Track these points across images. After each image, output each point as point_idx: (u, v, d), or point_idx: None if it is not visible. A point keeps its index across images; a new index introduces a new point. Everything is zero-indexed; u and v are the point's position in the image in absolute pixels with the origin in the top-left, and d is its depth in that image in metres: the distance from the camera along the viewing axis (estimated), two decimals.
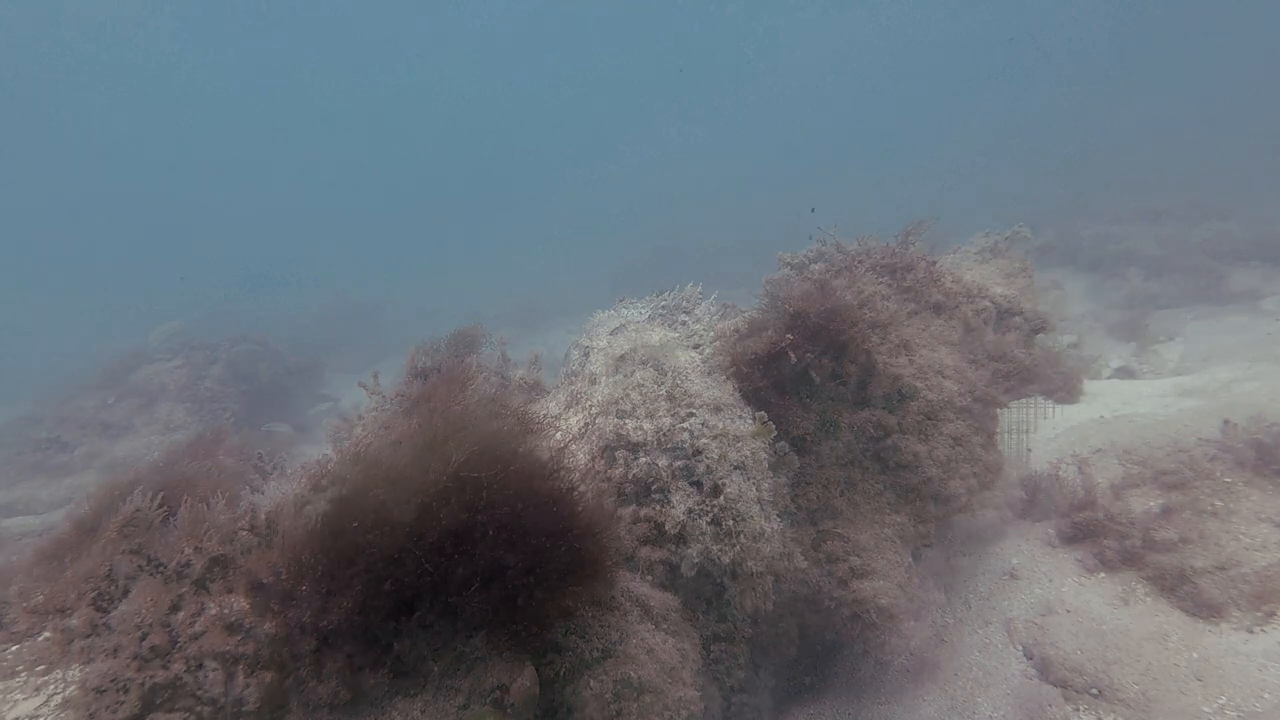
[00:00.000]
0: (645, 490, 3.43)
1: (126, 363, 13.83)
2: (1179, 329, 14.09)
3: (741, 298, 5.53)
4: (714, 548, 3.31)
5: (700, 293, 4.12)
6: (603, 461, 3.64)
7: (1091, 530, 5.09)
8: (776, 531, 3.47)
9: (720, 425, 3.47)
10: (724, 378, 3.77)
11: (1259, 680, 3.84)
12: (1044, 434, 7.64)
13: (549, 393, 4.60)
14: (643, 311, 4.39)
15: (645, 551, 3.26)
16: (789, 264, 5.42)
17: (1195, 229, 17.79)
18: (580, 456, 3.81)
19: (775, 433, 3.48)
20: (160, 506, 2.02)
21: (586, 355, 4.40)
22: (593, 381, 4.11)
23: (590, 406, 3.95)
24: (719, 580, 3.80)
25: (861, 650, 4.18)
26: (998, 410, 4.87)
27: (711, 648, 3.43)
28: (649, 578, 3.15)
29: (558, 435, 4.03)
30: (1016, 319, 5.52)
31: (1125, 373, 12.08)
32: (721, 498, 3.34)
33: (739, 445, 3.43)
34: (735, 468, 3.44)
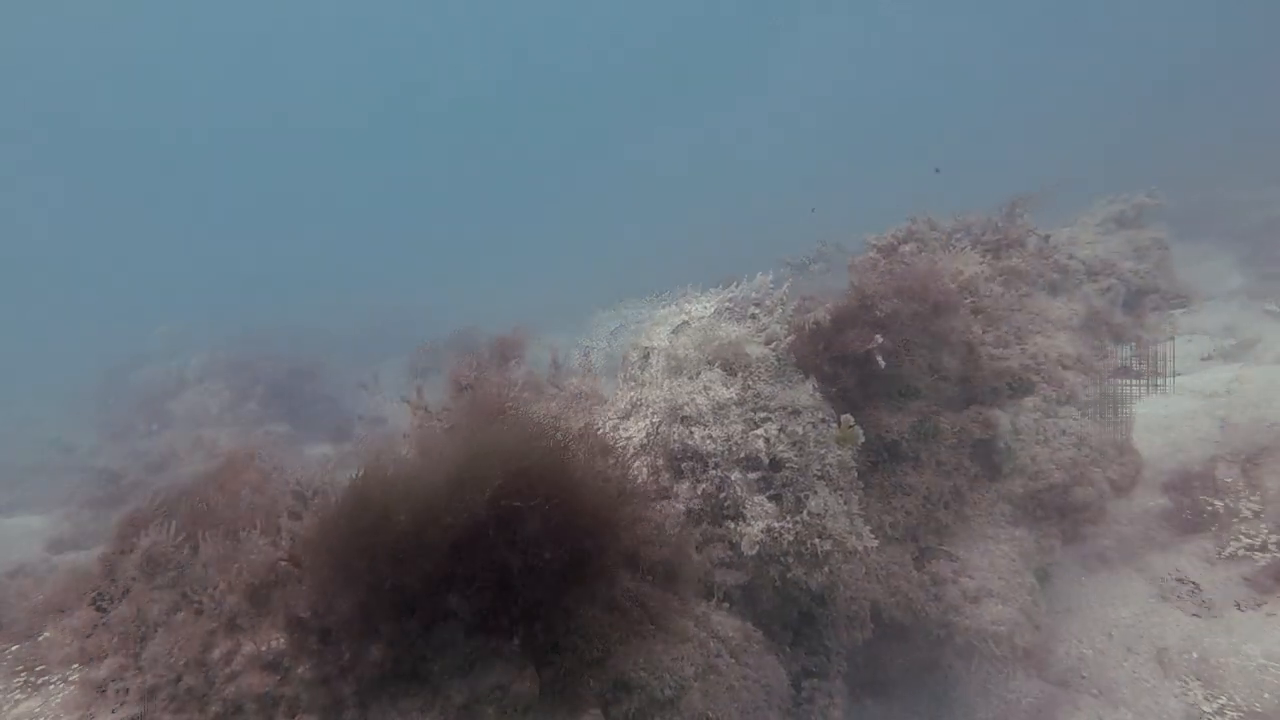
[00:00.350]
0: (717, 506, 3.13)
1: (168, 388, 14.48)
2: None
3: (816, 284, 5.10)
4: (798, 571, 2.96)
5: (772, 282, 3.77)
6: (668, 475, 3.37)
7: (1261, 545, 4.30)
8: (872, 550, 3.07)
9: (800, 431, 3.12)
10: (801, 376, 3.41)
11: None
12: (1184, 433, 6.70)
13: (605, 400, 4.37)
14: (708, 305, 4.08)
15: (720, 575, 2.95)
16: (876, 246, 4.95)
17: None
18: (642, 471, 3.55)
19: (862, 438, 3.09)
20: (185, 538, 1.94)
21: (646, 357, 4.14)
22: (655, 385, 3.84)
23: (652, 414, 3.68)
24: (806, 607, 3.43)
25: (983, 684, 3.66)
26: (1131, 405, 4.22)
27: (802, 684, 3.07)
28: (726, 605, 2.84)
29: (618, 447, 3.79)
30: (1151, 298, 4.81)
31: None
32: (805, 513, 2.99)
33: (823, 453, 3.07)
34: (820, 478, 3.07)
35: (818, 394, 3.35)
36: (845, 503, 3.06)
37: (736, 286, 4.07)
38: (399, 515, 1.70)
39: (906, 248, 4.82)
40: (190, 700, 1.92)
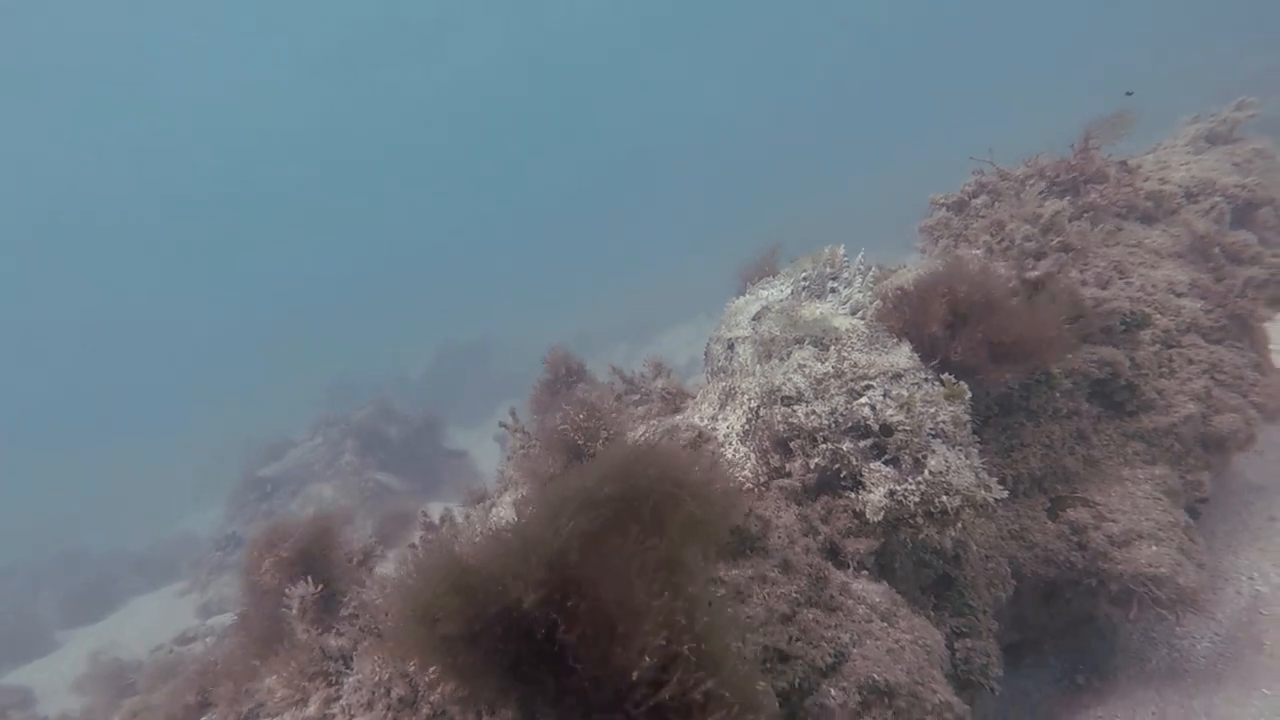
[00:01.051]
0: (834, 479, 3.21)
1: (277, 446, 15.61)
2: None
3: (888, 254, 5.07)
4: (929, 530, 3.00)
5: (845, 255, 3.86)
6: (777, 457, 3.47)
7: None
8: (1002, 501, 3.07)
9: (905, 393, 3.18)
10: (894, 341, 3.47)
11: None
12: None
13: (695, 399, 4.51)
14: (783, 289, 4.20)
15: (850, 544, 3.02)
16: (943, 205, 4.95)
17: None
18: (751, 457, 3.67)
19: (969, 393, 3.11)
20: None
21: (731, 348, 4.28)
22: (746, 374, 3.97)
23: (749, 400, 3.81)
24: (940, 570, 3.44)
25: (1146, 632, 3.54)
26: (1264, 323, 4.03)
27: (955, 646, 3.08)
28: (864, 572, 2.90)
29: (720, 438, 3.93)
30: (1264, 210, 4.58)
31: None
32: (926, 472, 3.04)
33: (934, 411, 3.11)
34: (935, 436, 3.12)
35: (914, 356, 3.40)
36: (967, 457, 3.08)
37: (809, 263, 4.18)
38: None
39: (978, 200, 4.80)
40: (404, 708, 2.14)
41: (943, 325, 3.36)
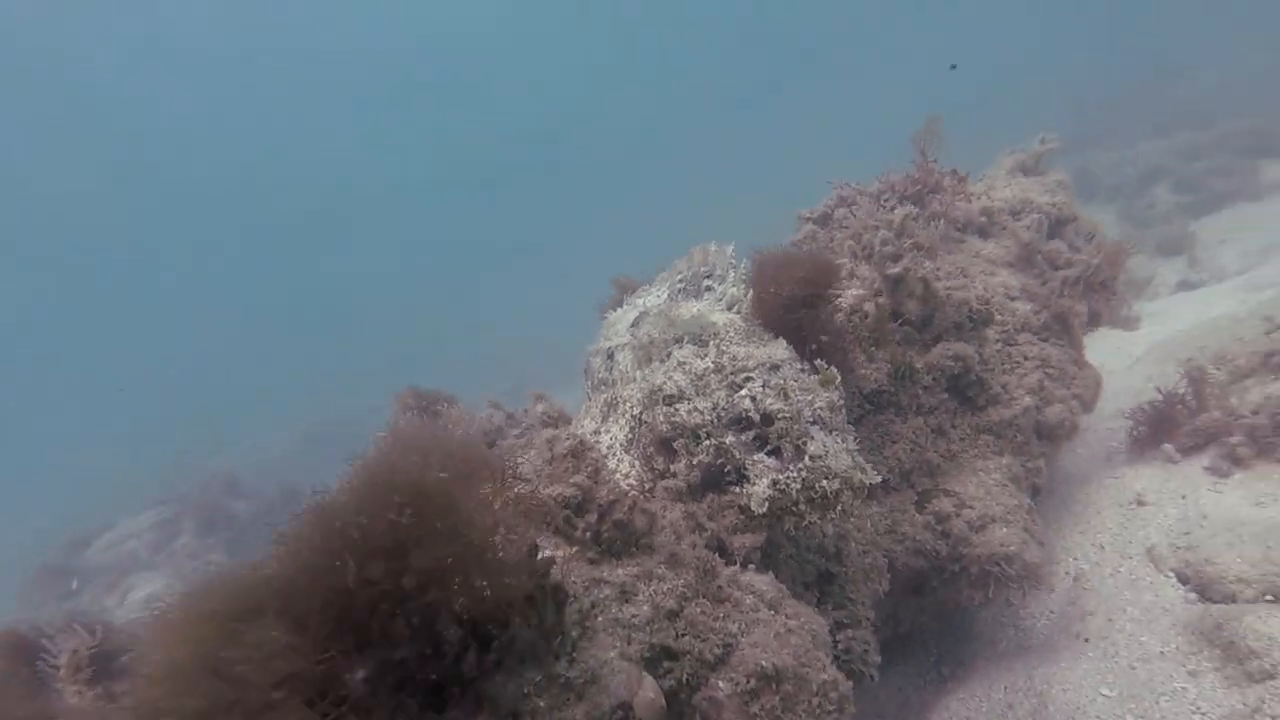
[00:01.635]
0: (719, 475, 3.21)
1: (90, 532, 13.35)
2: (1227, 231, 13.92)
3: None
4: (812, 516, 3.06)
5: (715, 249, 3.97)
6: (661, 459, 3.43)
7: (1213, 433, 4.80)
8: (877, 485, 3.22)
9: (782, 383, 3.27)
10: (770, 335, 3.59)
11: None
12: (1119, 364, 7.40)
13: (579, 417, 4.41)
14: (660, 293, 4.24)
15: (737, 540, 3.02)
16: (809, 219, 5.29)
17: (1209, 132, 17.87)
18: (635, 465, 3.60)
19: (840, 378, 3.27)
20: None
21: (610, 357, 4.23)
22: (627, 381, 3.93)
23: (631, 407, 3.76)
24: (823, 566, 3.53)
25: (995, 617, 3.84)
26: (1080, 321, 4.65)
27: (837, 638, 3.14)
28: (750, 565, 2.89)
29: (604, 451, 3.84)
30: (1070, 227, 5.36)
31: (1186, 286, 11.88)
32: (806, 458, 3.12)
33: (810, 398, 3.22)
34: (813, 423, 3.22)
35: (790, 348, 3.52)
36: (843, 441, 3.20)
37: (683, 263, 4.25)
38: None
39: (840, 213, 5.19)
40: None
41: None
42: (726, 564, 2.97)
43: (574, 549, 2.69)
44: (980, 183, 6.57)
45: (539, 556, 2.39)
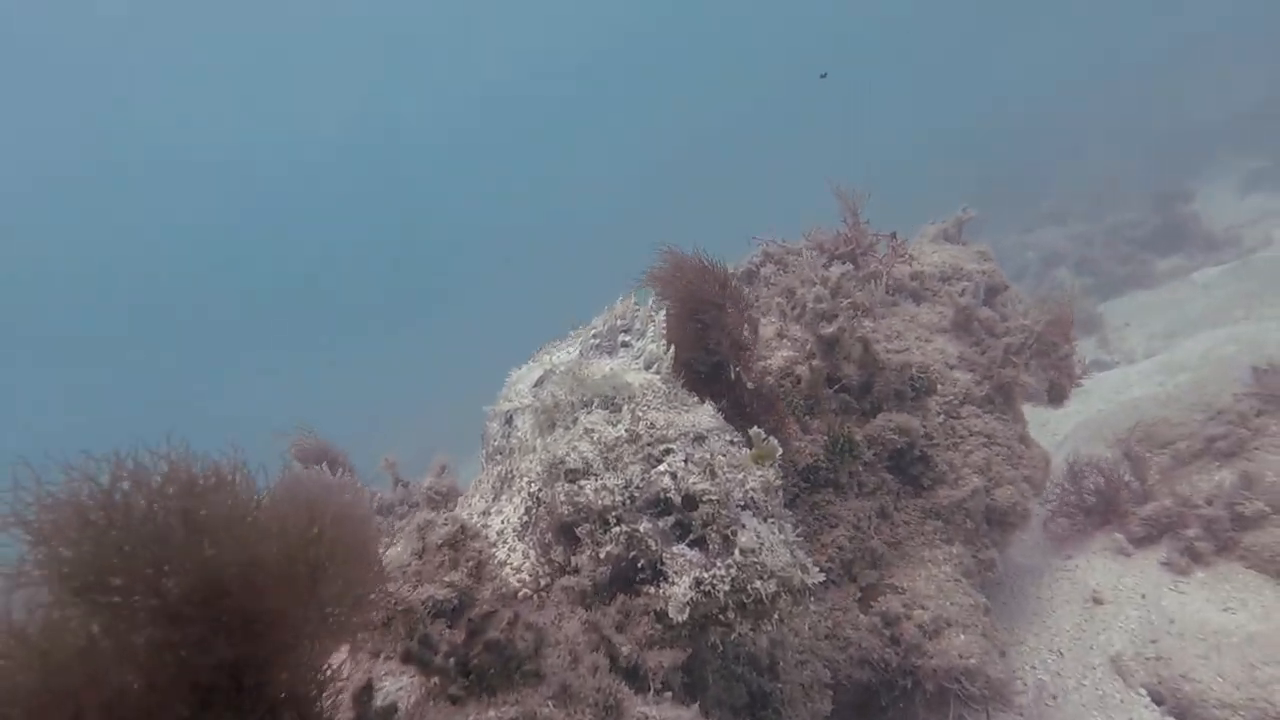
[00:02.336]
0: (630, 571, 2.69)
1: None
2: (1130, 315, 14.96)
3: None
4: (743, 626, 2.57)
5: (635, 304, 3.58)
6: (561, 549, 2.88)
7: (1166, 523, 4.68)
8: (817, 586, 2.77)
9: (709, 457, 2.82)
10: (696, 399, 3.17)
11: None
12: (1046, 442, 7.45)
13: (467, 494, 3.83)
14: (571, 350, 3.78)
15: (651, 657, 2.47)
16: (733, 276, 5.01)
17: (1103, 223, 19.56)
18: (530, 556, 3.04)
19: (780, 451, 2.86)
20: None
21: (509, 422, 3.70)
22: (526, 451, 3.39)
23: (529, 482, 3.22)
24: (755, 685, 3.01)
25: None
26: (1021, 392, 4.50)
27: None
28: (668, 693, 2.34)
29: (493, 537, 3.26)
30: (1001, 296, 5.34)
31: (1099, 365, 12.49)
32: (737, 552, 2.65)
33: (741, 477, 2.78)
34: (744, 508, 2.77)
35: (719, 415, 3.10)
36: (780, 531, 2.75)
37: (598, 320, 3.83)
38: None
39: (766, 270, 4.96)
40: None
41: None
42: (638, 690, 2.41)
43: (433, 680, 2.08)
44: (911, 248, 6.62)
45: (373, 704, 1.77)
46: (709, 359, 3.36)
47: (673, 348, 3.30)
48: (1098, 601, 4.51)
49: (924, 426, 3.84)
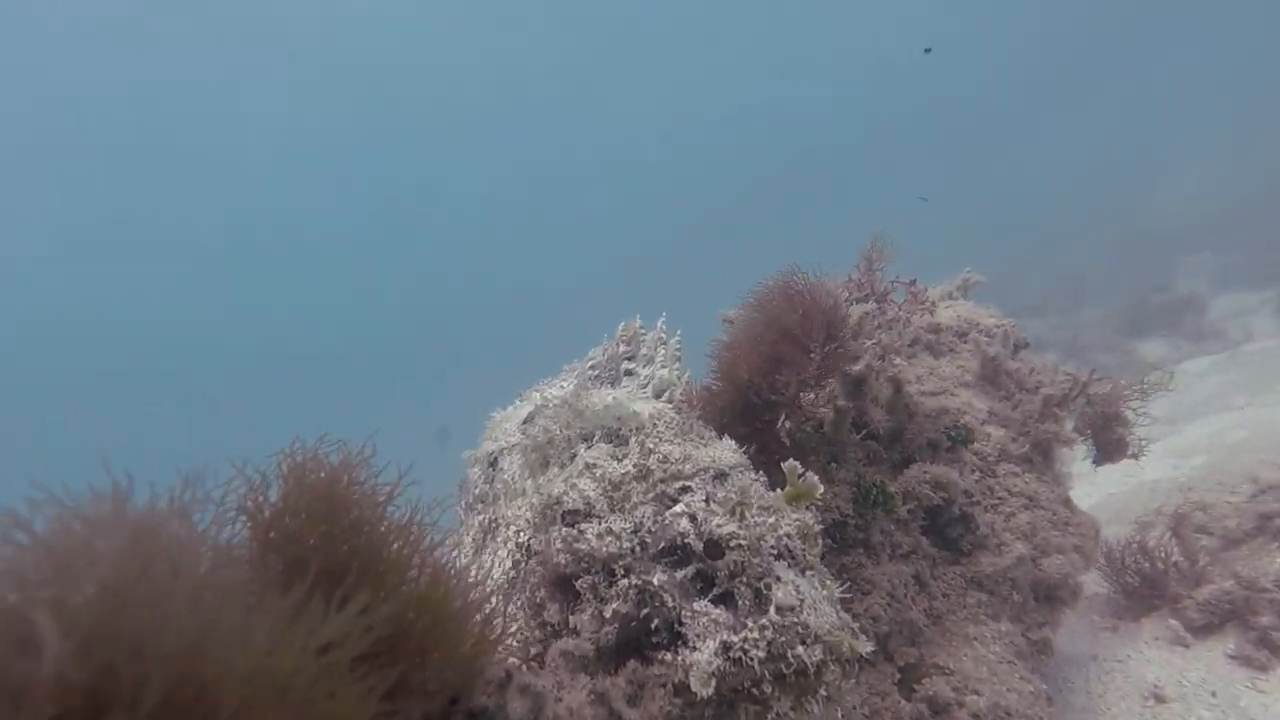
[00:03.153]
0: (642, 632, 2.31)
1: None
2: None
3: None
4: (783, 704, 2.19)
5: (642, 327, 3.32)
6: (556, 607, 2.50)
7: (1229, 609, 4.36)
8: (867, 654, 2.41)
9: (735, 496, 2.50)
10: (713, 432, 2.87)
11: None
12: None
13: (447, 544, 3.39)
14: (565, 385, 3.48)
15: None
16: (732, 320, 4.81)
17: (1080, 315, 20.09)
18: (518, 617, 2.65)
19: (821, 489, 2.54)
20: None
21: (493, 465, 3.34)
22: (514, 495, 3.04)
23: (516, 531, 2.85)
24: None
25: None
26: (1066, 451, 4.25)
27: None
28: None
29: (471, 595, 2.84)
30: (1024, 352, 5.19)
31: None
32: (772, 610, 2.30)
33: (773, 520, 2.45)
34: (777, 556, 2.43)
35: (740, 452, 2.80)
36: (821, 585, 2.41)
37: (597, 351, 3.55)
38: None
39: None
40: None
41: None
42: None
43: None
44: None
45: None
46: (764, 396, 3.09)
47: (687, 374, 3.02)
48: (1160, 699, 4.11)
49: (964, 481, 3.55)
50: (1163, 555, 4.80)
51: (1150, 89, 42.80)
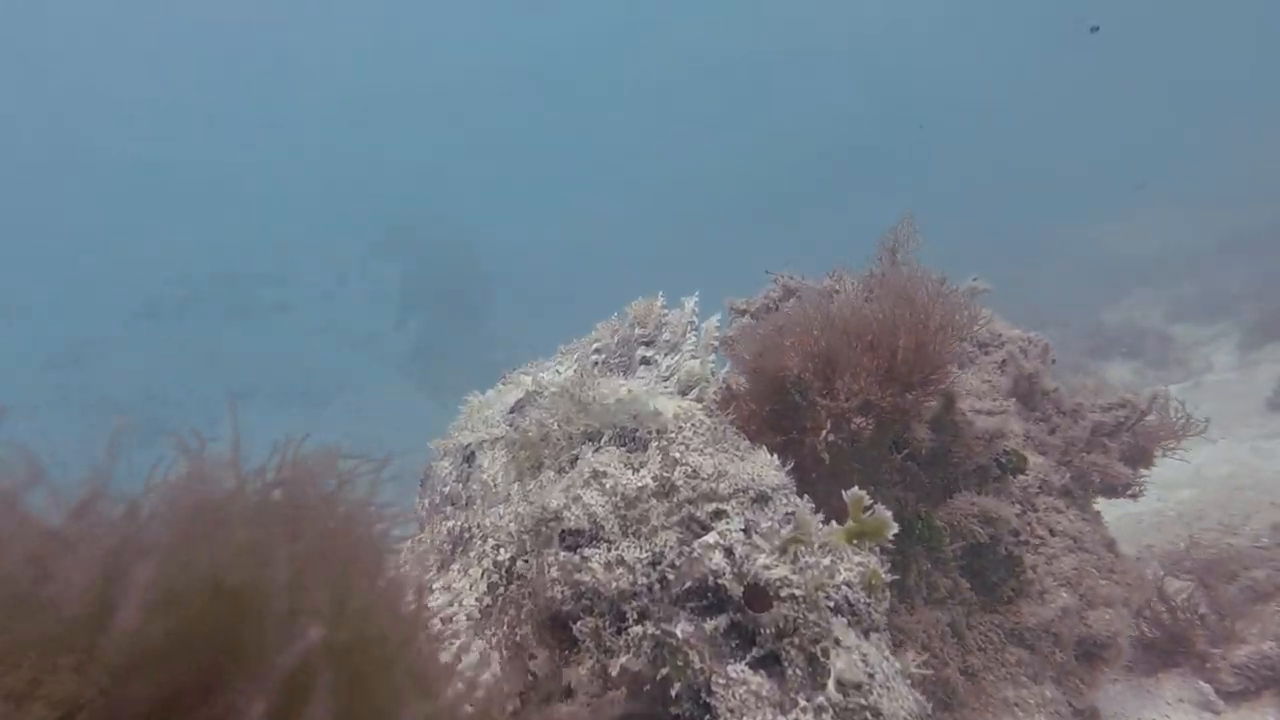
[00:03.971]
0: (657, 699, 1.86)
1: None
2: None
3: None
4: None
5: (664, 306, 2.84)
6: (547, 654, 2.03)
7: (1268, 675, 4.11)
8: None
9: (783, 529, 2.04)
10: (749, 442, 2.41)
11: None
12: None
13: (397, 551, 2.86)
14: (563, 368, 2.97)
15: None
16: (745, 311, 4.37)
17: (1047, 335, 20.48)
18: (493, 660, 2.17)
19: (895, 528, 2.10)
20: None
21: (470, 460, 2.82)
22: (494, 499, 2.54)
23: (496, 547, 2.36)
24: None
25: None
26: (1094, 489, 3.92)
27: None
28: None
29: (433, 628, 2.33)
30: (1050, 370, 4.89)
31: None
32: (831, 685, 1.85)
33: (831, 563, 2.00)
34: (836, 611, 1.98)
35: (782, 468, 2.35)
36: (889, 654, 1.97)
37: (604, 328, 3.04)
38: None
39: (789, 304, 4.34)
40: None
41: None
42: None
43: None
44: None
45: None
46: (810, 398, 2.63)
47: (728, 366, 2.55)
48: None
49: (1016, 518, 3.18)
50: (1189, 606, 4.57)
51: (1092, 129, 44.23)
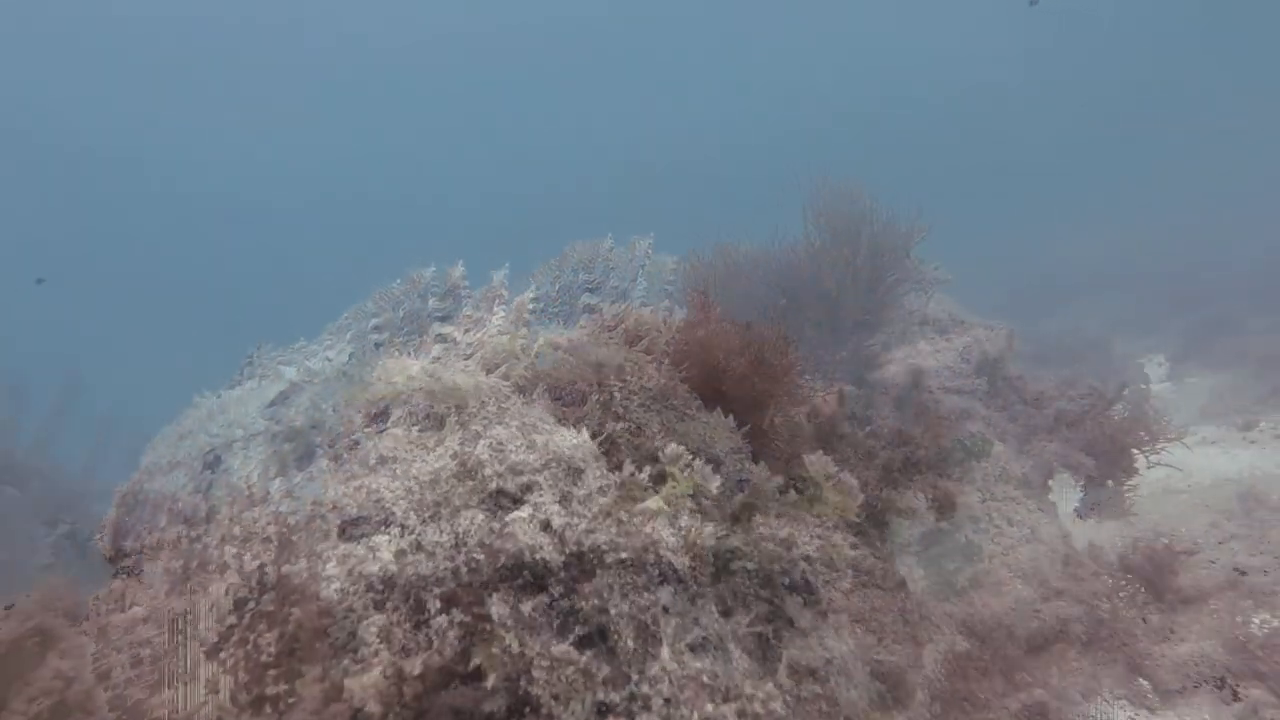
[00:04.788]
0: (469, 695, 2.04)
1: None
2: None
3: None
4: None
5: (463, 276, 3.09)
6: (319, 669, 2.17)
7: (1209, 674, 4.53)
8: None
9: (599, 498, 2.30)
10: (699, 401, 2.74)
11: None
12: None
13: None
14: (335, 351, 3.16)
15: None
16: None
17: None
18: (222, 686, 2.28)
19: (861, 498, 2.39)
20: None
21: (214, 466, 2.91)
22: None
23: (238, 555, 2.50)
24: None
25: None
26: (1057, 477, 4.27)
27: None
28: None
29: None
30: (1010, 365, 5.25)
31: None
32: (781, 671, 2.14)
33: (788, 534, 2.30)
34: (790, 589, 2.32)
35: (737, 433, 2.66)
36: (849, 640, 2.22)
37: (382, 297, 3.26)
38: None
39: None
40: None
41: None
42: None
43: None
44: None
45: None
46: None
47: (541, 338, 2.77)
48: None
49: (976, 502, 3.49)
50: (1131, 604, 4.91)
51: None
